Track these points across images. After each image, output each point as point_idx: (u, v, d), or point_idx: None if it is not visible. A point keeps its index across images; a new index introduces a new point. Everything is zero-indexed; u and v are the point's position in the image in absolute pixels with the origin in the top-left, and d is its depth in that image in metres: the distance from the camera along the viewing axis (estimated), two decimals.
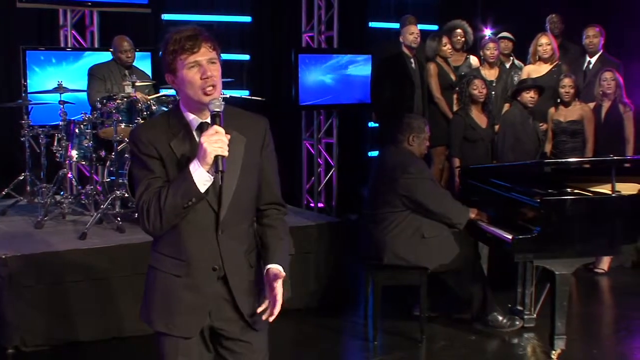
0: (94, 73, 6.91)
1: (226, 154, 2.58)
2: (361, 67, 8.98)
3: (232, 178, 2.72)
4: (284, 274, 2.76)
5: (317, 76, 8.68)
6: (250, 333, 2.86)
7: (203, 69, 2.63)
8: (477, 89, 6.69)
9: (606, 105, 6.94)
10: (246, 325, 2.83)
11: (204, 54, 2.65)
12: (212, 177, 2.60)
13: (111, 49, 7.02)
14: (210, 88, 2.64)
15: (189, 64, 2.63)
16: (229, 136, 2.60)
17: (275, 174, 2.93)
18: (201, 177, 2.59)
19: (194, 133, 2.72)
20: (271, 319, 2.75)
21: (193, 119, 2.73)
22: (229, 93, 6.90)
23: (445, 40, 7.86)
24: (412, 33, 7.79)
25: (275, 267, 2.79)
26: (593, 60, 7.57)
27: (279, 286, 2.73)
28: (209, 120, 2.70)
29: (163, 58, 2.71)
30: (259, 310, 2.76)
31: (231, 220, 2.76)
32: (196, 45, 2.64)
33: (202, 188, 2.60)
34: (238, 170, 2.73)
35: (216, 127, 2.59)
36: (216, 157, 2.56)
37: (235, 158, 2.70)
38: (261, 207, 2.91)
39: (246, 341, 2.86)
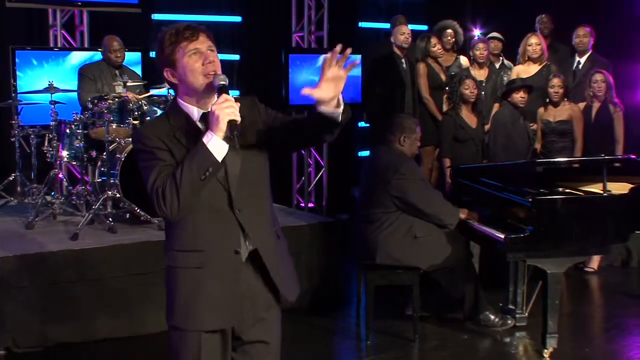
0: (84, 73, 6.89)
1: (238, 118, 2.57)
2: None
3: (236, 152, 2.69)
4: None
5: (307, 76, 8.69)
6: (269, 331, 2.88)
7: (204, 55, 2.67)
8: (469, 89, 6.71)
9: (596, 105, 6.98)
10: (268, 320, 2.85)
11: (203, 42, 2.69)
12: (227, 145, 2.59)
13: (101, 49, 6.99)
14: (212, 72, 2.66)
15: (189, 51, 2.66)
16: (238, 104, 2.60)
17: (285, 114, 2.91)
18: (216, 145, 2.58)
19: (198, 124, 2.73)
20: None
21: (193, 110, 2.74)
22: None
23: (434, 40, 7.88)
24: (404, 33, 7.81)
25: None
26: (582, 60, 7.61)
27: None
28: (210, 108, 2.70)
29: (160, 53, 2.72)
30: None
31: (245, 194, 2.75)
32: (195, 34, 2.68)
33: (219, 156, 2.59)
34: (241, 148, 2.70)
35: (225, 96, 2.59)
36: (230, 122, 2.55)
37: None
38: (298, 127, 2.77)
39: (263, 341, 2.87)
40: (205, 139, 2.58)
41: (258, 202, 2.83)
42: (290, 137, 2.83)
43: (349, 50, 2.56)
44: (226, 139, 2.58)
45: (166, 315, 2.85)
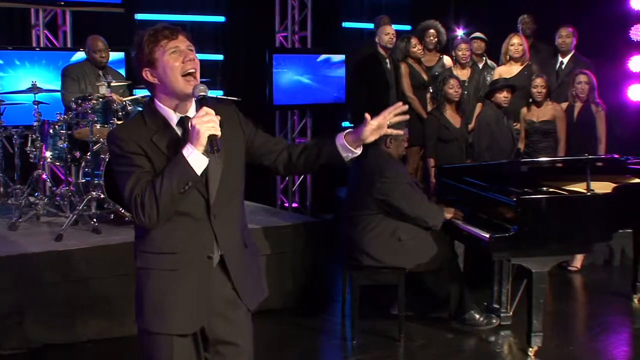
0: (67, 73, 6.84)
1: (219, 133, 2.57)
2: (335, 67, 9.00)
3: (217, 163, 2.69)
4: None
5: (291, 76, 8.69)
6: (239, 332, 2.86)
7: (184, 53, 2.66)
8: (453, 89, 6.75)
9: (578, 105, 7.01)
10: (239, 321, 2.85)
11: (183, 41, 2.69)
12: (207, 159, 2.59)
13: (85, 49, 6.96)
14: (192, 71, 2.66)
15: (169, 50, 2.65)
16: (219, 117, 2.60)
17: (267, 134, 2.96)
18: (197, 159, 2.57)
19: (175, 128, 2.72)
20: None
21: (170, 113, 2.72)
22: None
23: (415, 41, 7.87)
24: (388, 33, 7.82)
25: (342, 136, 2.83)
26: (565, 60, 7.66)
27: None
28: (188, 114, 2.72)
29: (139, 53, 2.69)
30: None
31: (222, 203, 2.75)
32: (174, 33, 2.67)
33: (199, 171, 2.59)
34: (222, 153, 2.69)
35: (206, 109, 2.58)
36: (210, 136, 2.54)
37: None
38: (283, 153, 2.92)
39: (233, 343, 2.86)
40: (185, 152, 2.57)
41: (232, 210, 2.84)
42: (269, 160, 2.92)
43: (405, 107, 2.91)
44: (206, 153, 2.58)
45: (136, 317, 2.83)
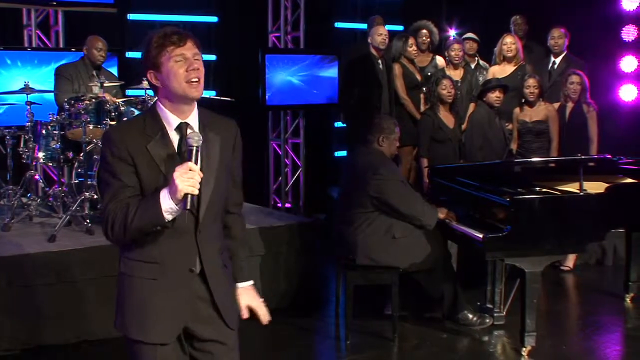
0: (60, 73, 6.84)
1: (196, 192, 2.58)
2: (327, 68, 9.00)
3: (210, 178, 2.72)
4: (257, 296, 3.04)
5: (283, 76, 8.69)
6: (224, 333, 2.86)
7: (189, 62, 2.65)
8: (446, 89, 6.77)
9: (570, 106, 7.03)
10: (222, 323, 2.84)
11: (190, 48, 2.67)
12: (179, 210, 2.59)
13: (84, 47, 6.96)
14: (195, 80, 2.66)
15: (175, 57, 2.65)
16: (201, 175, 2.59)
17: (241, 175, 2.99)
18: (169, 207, 2.58)
19: (171, 134, 2.71)
20: (267, 320, 3.03)
21: (172, 117, 2.71)
22: None
23: (412, 41, 7.89)
24: (381, 34, 7.83)
25: (246, 286, 3.03)
26: (558, 60, 7.68)
27: (259, 304, 3.02)
28: (188, 120, 2.72)
29: (146, 54, 2.70)
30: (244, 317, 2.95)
31: (207, 220, 2.76)
32: (182, 40, 2.66)
33: (168, 217, 2.60)
34: (215, 171, 2.74)
35: (190, 164, 2.57)
36: (185, 194, 2.55)
37: (213, 158, 2.73)
38: (227, 207, 2.96)
39: (219, 341, 2.85)
40: (161, 198, 2.57)
41: (216, 227, 2.86)
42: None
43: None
44: (179, 206, 2.58)
45: (115, 322, 2.84)
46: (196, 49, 2.70)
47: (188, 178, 2.54)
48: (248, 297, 3.00)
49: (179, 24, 8.75)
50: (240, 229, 3.04)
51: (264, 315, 3.00)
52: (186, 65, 2.65)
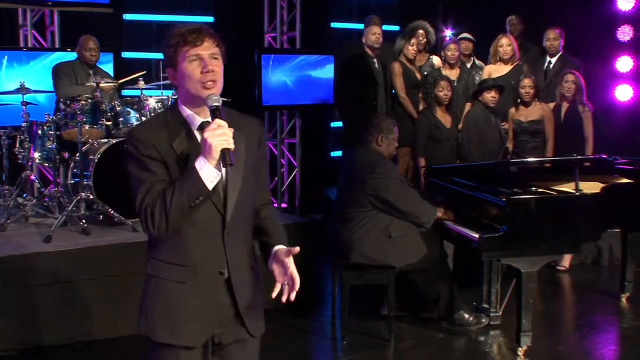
0: (59, 70, 6.85)
1: (232, 146, 2.50)
2: (323, 68, 8.99)
3: (237, 177, 2.65)
4: (297, 249, 2.68)
5: (279, 77, 8.68)
6: (245, 340, 2.80)
7: (204, 63, 2.58)
8: (443, 91, 6.78)
9: (565, 105, 7.05)
10: (244, 330, 2.77)
11: (207, 48, 2.60)
12: (219, 174, 2.53)
13: (77, 48, 6.97)
14: (210, 83, 2.58)
15: (190, 57, 2.58)
16: (232, 130, 2.52)
17: (267, 175, 2.90)
18: (208, 173, 2.50)
19: (195, 132, 2.65)
20: (292, 297, 2.69)
21: (192, 116, 2.65)
22: None
23: (413, 40, 7.87)
24: (375, 34, 7.83)
25: (283, 247, 2.73)
26: (553, 60, 7.70)
27: (292, 263, 2.68)
28: (209, 118, 2.62)
29: (165, 52, 2.65)
30: (274, 294, 2.68)
31: (236, 221, 2.68)
32: (199, 39, 2.59)
33: (210, 185, 2.52)
34: (242, 170, 2.66)
35: (218, 121, 2.51)
36: (223, 150, 2.48)
37: (239, 157, 2.63)
38: (256, 207, 2.86)
39: (240, 348, 2.80)
40: (197, 165, 2.50)
41: (243, 229, 2.76)
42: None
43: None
44: (219, 166, 2.51)
45: (139, 324, 2.75)
46: (215, 47, 2.62)
47: (220, 134, 2.48)
48: (286, 253, 2.70)
49: (174, 24, 8.73)
50: (275, 215, 2.92)
51: (293, 285, 2.70)
52: (201, 67, 2.58)
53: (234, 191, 2.66)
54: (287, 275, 2.67)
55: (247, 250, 2.79)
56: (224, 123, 2.52)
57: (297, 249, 2.66)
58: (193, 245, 2.64)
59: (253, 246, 2.86)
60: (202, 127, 2.62)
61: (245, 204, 2.72)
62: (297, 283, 2.67)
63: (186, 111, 2.67)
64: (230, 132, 2.51)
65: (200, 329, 2.70)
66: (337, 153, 9.73)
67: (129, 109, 6.35)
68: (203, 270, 2.67)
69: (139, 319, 2.76)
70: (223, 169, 2.56)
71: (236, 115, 2.74)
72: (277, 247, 2.74)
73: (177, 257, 2.66)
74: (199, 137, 2.62)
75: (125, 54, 8.42)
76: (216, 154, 2.48)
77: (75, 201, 5.96)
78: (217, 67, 2.61)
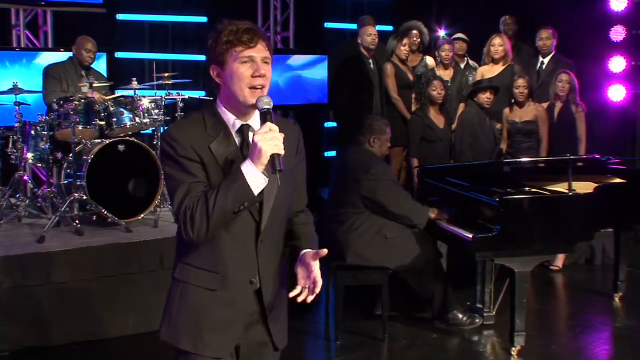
0: (49, 72, 6.83)
1: (282, 152, 2.40)
2: (317, 68, 8.99)
3: (273, 184, 2.51)
4: (325, 251, 2.53)
5: (273, 77, 8.63)
6: (269, 352, 2.73)
7: (256, 66, 2.48)
8: (436, 90, 6.78)
9: (558, 105, 7.05)
10: (269, 341, 2.70)
11: (260, 50, 2.50)
12: (266, 179, 2.42)
13: (73, 47, 6.94)
14: (260, 87, 2.48)
15: (242, 58, 2.48)
16: (282, 135, 2.42)
17: (305, 181, 2.80)
18: (256, 178, 2.40)
19: (234, 135, 2.55)
20: (310, 299, 2.56)
21: (233, 119, 2.55)
22: (186, 94, 6.83)
23: (406, 40, 7.87)
24: (370, 34, 7.82)
25: (310, 250, 2.60)
26: (546, 60, 7.71)
27: (317, 266, 2.54)
28: (249, 122, 2.55)
29: (212, 48, 2.54)
30: (292, 294, 2.55)
31: (270, 229, 2.60)
32: (254, 40, 2.49)
33: (256, 191, 2.41)
34: (279, 176, 2.48)
35: (270, 125, 2.40)
36: (272, 155, 2.38)
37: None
38: (291, 214, 2.77)
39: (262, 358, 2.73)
40: (244, 169, 2.40)
41: (277, 237, 2.68)
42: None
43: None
44: (266, 172, 2.41)
45: (162, 330, 2.66)
46: (267, 51, 2.52)
47: (271, 138, 2.38)
48: (313, 255, 2.56)
49: (168, 24, 8.75)
50: (309, 221, 2.81)
51: (314, 287, 2.55)
52: (252, 69, 2.48)
53: (270, 197, 2.55)
54: (310, 278, 2.55)
55: (278, 260, 2.70)
56: (275, 127, 2.42)
57: (325, 251, 2.53)
58: (225, 252, 2.56)
59: (283, 254, 2.75)
60: (242, 130, 2.55)
61: (280, 211, 2.63)
62: (319, 287, 2.55)
63: (225, 113, 2.57)
64: (281, 137, 2.41)
65: (227, 340, 2.62)
66: (331, 153, 9.72)
67: (122, 109, 6.34)
68: (234, 278, 2.59)
69: (161, 325, 2.68)
70: (271, 175, 2.45)
71: (275, 120, 2.55)
72: (305, 251, 2.62)
73: (208, 263, 2.57)
74: (237, 140, 2.55)
75: (119, 54, 8.40)
76: (265, 159, 2.38)
77: (68, 201, 5.94)
78: (268, 72, 2.53)
